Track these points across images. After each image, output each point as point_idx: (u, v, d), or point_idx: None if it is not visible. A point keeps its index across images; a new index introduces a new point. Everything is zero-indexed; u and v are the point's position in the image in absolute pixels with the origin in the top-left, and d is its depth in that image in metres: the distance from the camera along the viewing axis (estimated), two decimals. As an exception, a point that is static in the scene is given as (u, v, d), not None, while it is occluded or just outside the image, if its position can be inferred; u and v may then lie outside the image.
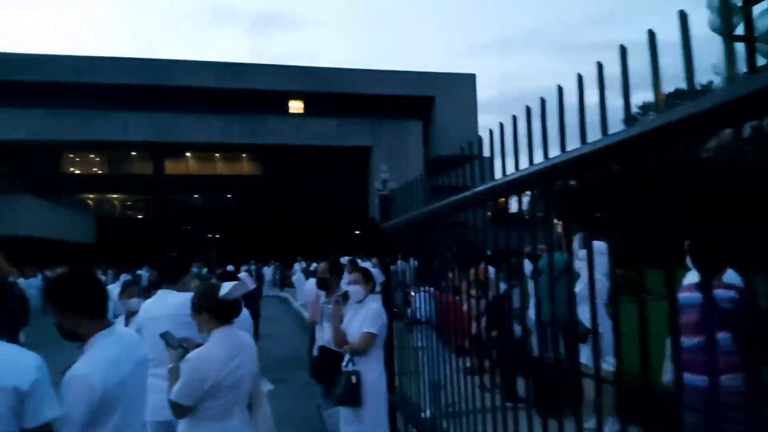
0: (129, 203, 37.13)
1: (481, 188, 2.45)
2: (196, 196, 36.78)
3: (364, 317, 3.77)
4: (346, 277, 4.56)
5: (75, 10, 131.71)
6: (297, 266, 22.82)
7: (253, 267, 24.54)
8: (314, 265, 11.16)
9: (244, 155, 37.40)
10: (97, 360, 2.00)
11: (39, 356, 1.95)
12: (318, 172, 36.25)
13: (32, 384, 1.83)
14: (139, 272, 17.14)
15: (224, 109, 34.20)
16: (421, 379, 5.47)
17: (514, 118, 2.03)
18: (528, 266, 5.06)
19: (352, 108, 36.27)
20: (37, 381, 1.85)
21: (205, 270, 27.45)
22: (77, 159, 35.86)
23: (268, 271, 24.53)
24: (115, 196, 36.74)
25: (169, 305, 3.20)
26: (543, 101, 1.81)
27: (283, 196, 35.56)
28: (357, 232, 36.38)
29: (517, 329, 3.61)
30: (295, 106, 37.94)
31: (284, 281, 26.05)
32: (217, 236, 36.00)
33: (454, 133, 35.99)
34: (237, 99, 34.73)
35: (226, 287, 2.65)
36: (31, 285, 14.41)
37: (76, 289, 2.09)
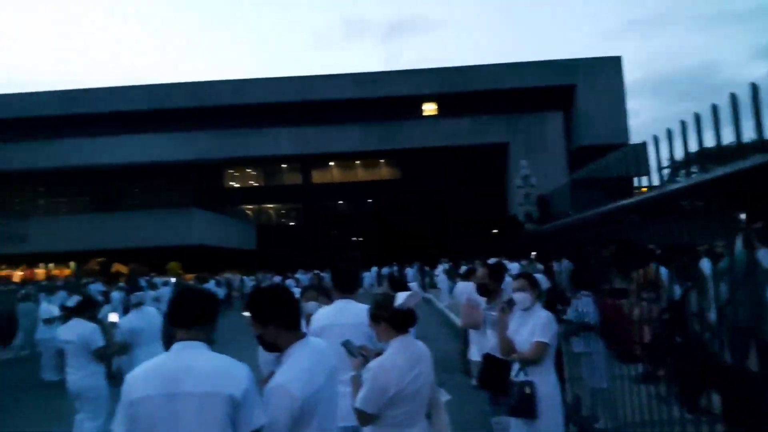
0: (283, 212, 40.16)
1: (677, 187, 2.19)
2: (340, 202, 38.68)
3: (533, 326, 3.60)
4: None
5: (224, 38, 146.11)
6: (440, 268, 22.88)
7: (395, 268, 25.14)
8: (464, 267, 11.03)
9: (382, 161, 38.57)
10: (296, 370, 2.09)
11: (247, 366, 2.11)
12: (454, 172, 36.20)
13: (244, 392, 1.97)
14: (297, 276, 18.31)
15: (363, 118, 35.61)
16: (586, 387, 5.14)
17: (697, 116, 1.77)
18: (706, 265, 4.51)
19: (486, 105, 35.68)
20: (248, 390, 1.99)
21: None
22: (236, 174, 39.63)
23: (410, 273, 24.91)
24: (270, 206, 39.96)
25: (349, 314, 3.27)
26: (733, 98, 1.57)
27: (421, 198, 36.02)
28: (495, 231, 35.68)
29: (700, 335, 3.21)
30: (429, 109, 38.27)
31: (424, 281, 26.28)
32: (360, 239, 37.58)
33: (599, 122, 33.75)
34: (374, 106, 35.96)
35: (400, 297, 2.68)
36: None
37: (276, 303, 2.22)
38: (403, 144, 35.17)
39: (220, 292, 18.61)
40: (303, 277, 20.41)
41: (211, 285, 17.77)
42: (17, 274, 34.04)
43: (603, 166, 3.61)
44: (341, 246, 36.47)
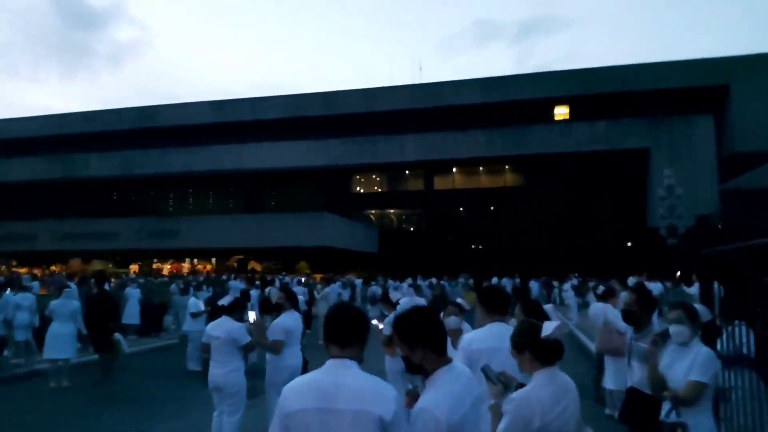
0: (404, 217, 40.80)
1: None
2: (461, 209, 38.40)
3: (691, 363, 3.27)
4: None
5: (355, 47, 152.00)
6: (568, 284, 21.70)
7: (517, 280, 24.28)
8: (600, 286, 10.36)
9: (507, 167, 37.64)
10: (443, 395, 2.08)
11: (394, 388, 2.14)
12: (585, 179, 34.32)
13: (394, 415, 2.01)
14: (419, 283, 18.44)
15: (488, 123, 35.06)
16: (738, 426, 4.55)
17: None
18: None
19: (624, 108, 33.37)
20: (397, 413, 2.02)
21: (471, 280, 28.39)
22: (362, 179, 41.00)
23: (534, 286, 23.93)
24: (392, 211, 40.82)
25: (505, 339, 3.13)
26: None
27: (548, 207, 34.62)
28: (629, 244, 33.19)
29: None
30: (561, 112, 36.64)
31: (550, 297, 25.14)
32: (479, 247, 37.00)
33: (757, 126, 30.09)
34: (501, 111, 35.25)
35: (548, 327, 2.55)
36: (333, 290, 16.74)
37: (425, 327, 2.21)
38: (531, 149, 34.03)
39: (345, 294, 19.29)
40: (422, 283, 20.49)
41: (337, 286, 18.45)
42: (166, 267, 38.15)
43: (764, 175, 3.18)
44: (462, 254, 36.23)
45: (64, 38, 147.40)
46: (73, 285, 12.39)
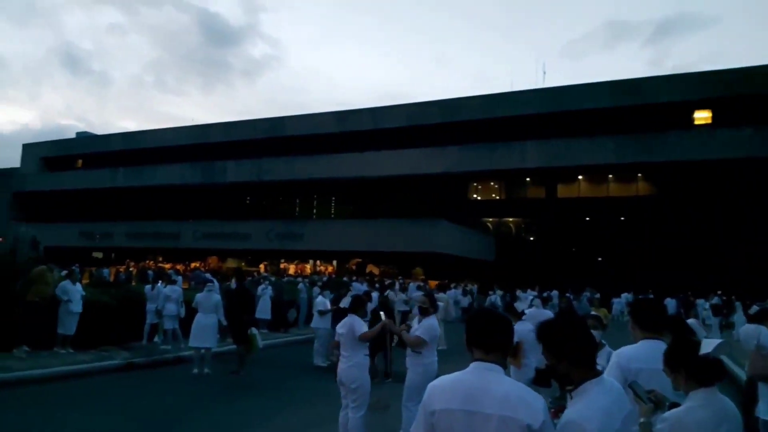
0: (523, 226, 39.60)
1: None
2: (587, 219, 36.46)
3: None
4: None
5: (475, 54, 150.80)
6: (706, 303, 19.69)
7: (651, 296, 22.50)
8: (754, 306, 9.32)
9: (639, 175, 35.09)
10: (593, 409, 2.00)
11: (542, 397, 2.11)
12: (728, 189, 31.01)
13: (542, 425, 1.97)
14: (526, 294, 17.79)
15: (618, 129, 32.96)
16: None
17: None
18: None
19: (773, 111, 29.73)
20: (545, 423, 1.98)
21: (597, 295, 26.81)
22: (479, 187, 40.46)
23: (671, 303, 22.02)
24: (510, 219, 39.82)
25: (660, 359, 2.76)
26: None
27: (685, 218, 31.75)
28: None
29: None
30: (701, 117, 33.49)
31: (688, 316, 22.93)
32: (602, 260, 34.83)
33: None
34: (632, 116, 32.99)
35: (708, 345, 2.37)
36: (451, 297, 16.72)
37: (574, 338, 2.14)
38: (666, 156, 31.40)
39: (465, 301, 19.15)
40: (526, 294, 19.62)
41: (456, 293, 18.40)
42: (291, 267, 40.47)
43: None
44: (586, 266, 34.33)
45: (206, 55, 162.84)
46: (215, 280, 13.59)
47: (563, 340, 2.14)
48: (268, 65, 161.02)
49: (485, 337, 2.17)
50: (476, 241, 35.53)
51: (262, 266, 38.88)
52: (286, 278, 26.88)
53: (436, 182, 37.33)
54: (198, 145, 45.69)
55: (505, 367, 2.19)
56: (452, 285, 26.44)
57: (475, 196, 40.50)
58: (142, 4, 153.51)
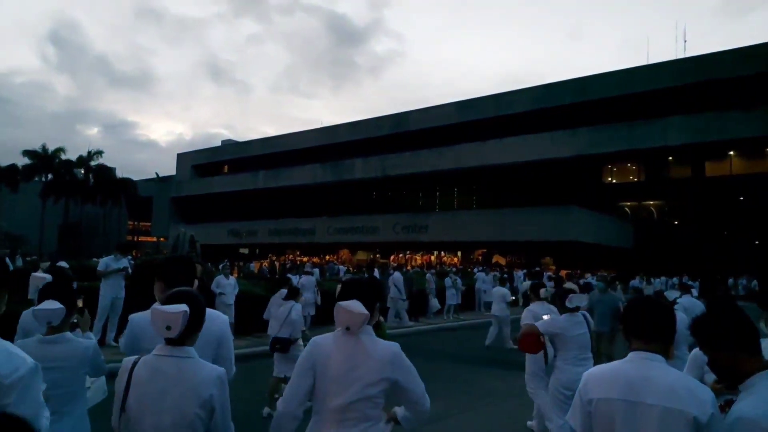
0: (666, 209, 36.48)
1: None
2: (740, 199, 32.65)
3: None
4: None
5: (609, 31, 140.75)
6: None
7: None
8: None
9: (807, 146, 30.64)
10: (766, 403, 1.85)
11: (711, 390, 2.03)
12: None
13: (710, 418, 1.89)
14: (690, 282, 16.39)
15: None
16: None
17: None
18: None
19: None
20: (715, 415, 1.90)
21: (754, 283, 24.02)
22: (614, 169, 37.93)
23: None
24: (651, 202, 36.88)
25: None
26: None
27: None
28: None
29: None
30: None
31: None
32: (756, 242, 30.98)
33: None
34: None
35: None
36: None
37: (736, 325, 2.01)
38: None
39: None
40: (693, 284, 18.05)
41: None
42: (417, 258, 41.26)
43: None
44: (741, 251, 30.85)
45: (334, 56, 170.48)
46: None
47: (725, 330, 2.01)
48: (392, 61, 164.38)
49: (645, 326, 2.10)
50: (612, 228, 33.49)
51: (392, 257, 40.10)
52: (412, 269, 27.50)
53: (566, 167, 35.59)
54: (328, 145, 48.09)
55: (669, 357, 2.09)
56: (586, 275, 25.24)
57: (609, 179, 38.11)
58: (276, 12, 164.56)
